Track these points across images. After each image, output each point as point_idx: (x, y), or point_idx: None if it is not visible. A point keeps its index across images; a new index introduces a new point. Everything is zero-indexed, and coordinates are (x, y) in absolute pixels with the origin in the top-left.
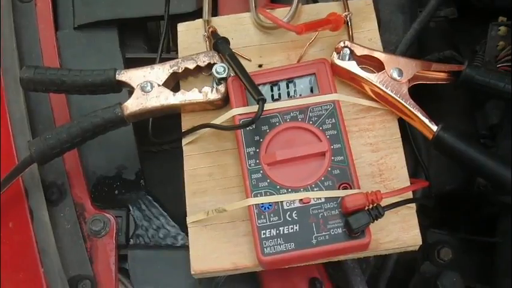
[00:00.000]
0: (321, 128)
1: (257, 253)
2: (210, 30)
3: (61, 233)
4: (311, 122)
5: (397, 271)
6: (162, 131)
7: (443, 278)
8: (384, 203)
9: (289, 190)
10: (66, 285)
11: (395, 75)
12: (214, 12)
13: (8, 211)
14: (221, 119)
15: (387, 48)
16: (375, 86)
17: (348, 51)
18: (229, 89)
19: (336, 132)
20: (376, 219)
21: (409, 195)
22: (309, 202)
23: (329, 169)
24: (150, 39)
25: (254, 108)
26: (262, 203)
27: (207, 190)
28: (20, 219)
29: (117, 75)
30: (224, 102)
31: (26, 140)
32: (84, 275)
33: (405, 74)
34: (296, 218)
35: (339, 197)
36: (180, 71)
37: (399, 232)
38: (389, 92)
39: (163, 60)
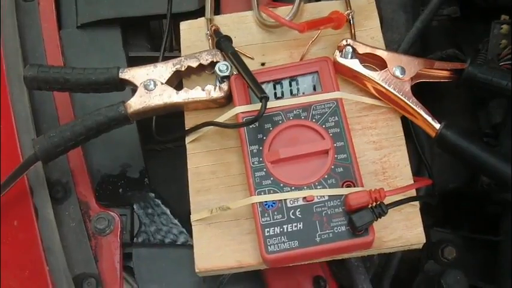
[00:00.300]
0: (324, 126)
1: (261, 251)
2: (213, 28)
3: (66, 231)
4: (314, 120)
5: (401, 270)
6: (166, 129)
7: (447, 276)
8: (387, 201)
9: (293, 188)
10: (71, 283)
11: (397, 73)
12: (217, 10)
13: (13, 209)
14: (224, 117)
15: (390, 47)
16: (378, 84)
17: (351, 50)
18: (232, 87)
19: (339, 130)
20: (380, 217)
21: (413, 193)
22: (312, 200)
23: (332, 167)
24: (153, 37)
25: (257, 106)
26: (265, 201)
27: (210, 188)
28: (25, 218)
29: (120, 74)
30: (227, 101)
31: (31, 138)
32: (89, 273)
33: (408, 72)
34: (300, 216)
35: (342, 194)
36: (183, 69)
37: (403, 230)
38: (392, 90)
39: (166, 58)
